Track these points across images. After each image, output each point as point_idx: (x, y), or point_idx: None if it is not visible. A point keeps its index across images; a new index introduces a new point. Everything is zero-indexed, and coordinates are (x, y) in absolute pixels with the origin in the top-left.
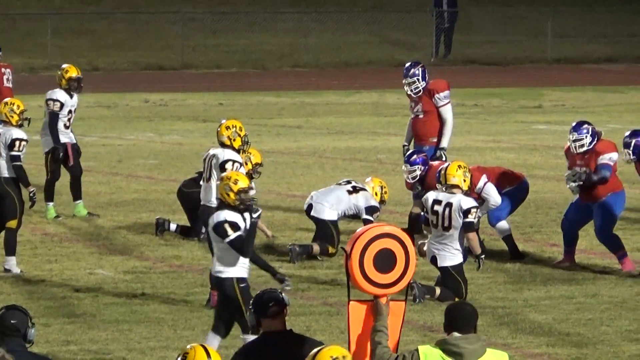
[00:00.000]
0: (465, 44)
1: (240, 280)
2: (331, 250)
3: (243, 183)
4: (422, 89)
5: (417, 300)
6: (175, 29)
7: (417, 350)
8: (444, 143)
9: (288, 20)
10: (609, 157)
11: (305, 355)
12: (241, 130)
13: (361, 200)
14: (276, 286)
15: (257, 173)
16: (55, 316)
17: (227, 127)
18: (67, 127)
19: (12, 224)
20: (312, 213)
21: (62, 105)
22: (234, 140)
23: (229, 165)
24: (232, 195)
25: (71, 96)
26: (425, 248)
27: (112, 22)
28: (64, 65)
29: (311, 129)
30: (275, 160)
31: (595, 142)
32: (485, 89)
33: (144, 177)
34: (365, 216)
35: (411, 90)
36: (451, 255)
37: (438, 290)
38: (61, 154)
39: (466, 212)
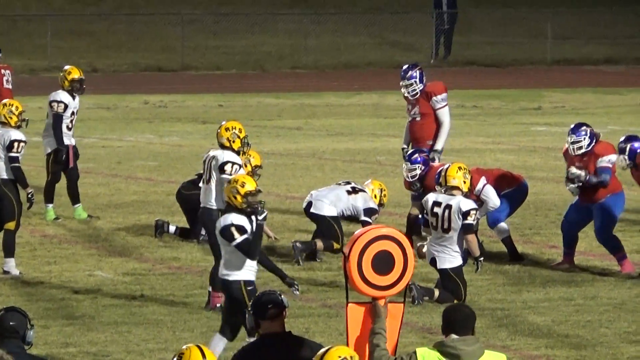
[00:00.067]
0: (465, 45)
1: (248, 283)
2: (336, 246)
3: (250, 186)
4: (420, 91)
5: (416, 302)
6: (175, 30)
7: (415, 352)
8: (438, 145)
9: (288, 22)
10: (608, 160)
11: (304, 357)
12: (241, 132)
13: (359, 202)
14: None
15: (256, 175)
16: (54, 318)
17: (227, 129)
18: (69, 129)
19: (11, 225)
20: (312, 210)
21: (66, 106)
22: (234, 141)
23: (228, 167)
24: (239, 198)
25: (74, 97)
26: (424, 250)
27: (112, 24)
28: (66, 67)
29: (311, 130)
30: (275, 162)
31: (593, 144)
32: (484, 91)
33: (143, 178)
34: (363, 218)
35: (408, 93)
36: (451, 258)
37: (437, 292)
38: (64, 156)
39: (465, 214)
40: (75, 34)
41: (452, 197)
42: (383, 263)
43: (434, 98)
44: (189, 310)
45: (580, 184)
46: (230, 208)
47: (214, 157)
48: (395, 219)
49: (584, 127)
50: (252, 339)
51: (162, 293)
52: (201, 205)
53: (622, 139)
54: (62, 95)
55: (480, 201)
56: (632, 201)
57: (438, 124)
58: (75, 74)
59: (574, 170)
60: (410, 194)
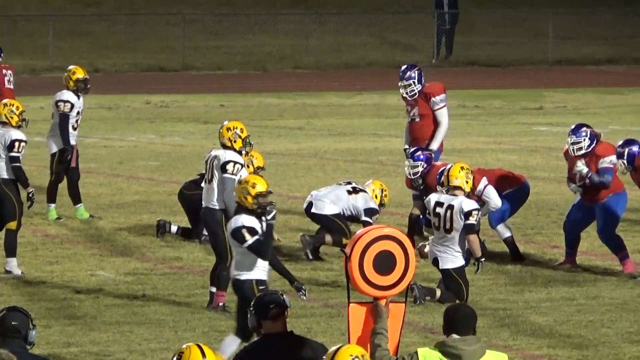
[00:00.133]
0: (466, 45)
1: (260, 282)
2: (345, 241)
3: (261, 187)
4: (418, 92)
5: (418, 301)
6: (176, 30)
7: (416, 352)
8: (434, 146)
9: (289, 22)
10: (609, 160)
11: (306, 357)
12: (242, 132)
13: (360, 202)
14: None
15: None
16: (56, 318)
17: (228, 129)
18: (74, 129)
19: (12, 225)
20: (313, 210)
21: (72, 106)
22: (235, 141)
23: (230, 167)
24: (249, 199)
25: (78, 97)
26: (426, 250)
27: (113, 24)
28: (71, 67)
29: (312, 130)
30: (276, 162)
31: (593, 145)
32: (486, 91)
33: (145, 178)
34: (364, 218)
35: (407, 93)
36: (453, 258)
37: (438, 292)
38: (69, 156)
39: (467, 214)
40: (76, 34)
41: (455, 197)
42: (384, 263)
43: (433, 99)
44: (191, 310)
45: (582, 183)
46: (240, 209)
47: (215, 156)
48: (397, 219)
49: (584, 128)
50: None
51: (164, 293)
52: (203, 205)
53: (619, 143)
54: (68, 95)
55: (481, 201)
56: (634, 201)
57: (436, 124)
58: (80, 74)
59: (579, 164)
60: (412, 194)
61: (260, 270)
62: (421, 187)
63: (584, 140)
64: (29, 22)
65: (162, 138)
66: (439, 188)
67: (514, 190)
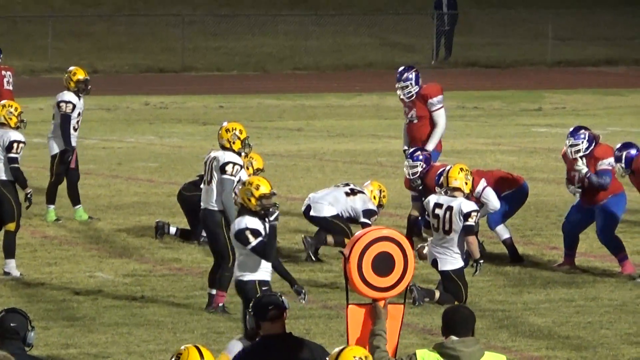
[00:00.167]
0: (465, 46)
1: (263, 283)
2: (347, 241)
3: (265, 189)
4: (415, 93)
5: (417, 303)
6: (175, 31)
7: (415, 354)
8: (429, 146)
9: (288, 23)
10: (607, 163)
11: (305, 359)
12: (241, 133)
13: (358, 203)
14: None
15: None
16: (55, 319)
17: (227, 130)
18: (75, 130)
19: (11, 226)
20: (312, 213)
21: (74, 106)
22: (234, 143)
23: (229, 168)
24: (253, 200)
25: (79, 98)
26: (425, 251)
27: (112, 25)
28: (71, 68)
29: (311, 131)
30: (276, 163)
31: (591, 147)
32: (485, 92)
33: (144, 180)
34: (362, 219)
35: (404, 95)
36: (452, 259)
37: (437, 294)
38: (70, 157)
39: (466, 216)
40: (75, 35)
41: (454, 198)
42: (383, 264)
43: (430, 101)
44: (190, 311)
45: (580, 185)
46: (244, 210)
47: (215, 158)
48: (396, 221)
49: (582, 131)
50: None
51: (163, 294)
52: (202, 206)
53: (617, 146)
54: (70, 96)
55: (480, 203)
56: (633, 202)
57: (433, 125)
58: (81, 75)
59: (579, 163)
60: (411, 195)
61: (264, 271)
62: (420, 188)
63: (582, 142)
64: (28, 23)
65: (161, 139)
66: (437, 189)
67: (512, 191)
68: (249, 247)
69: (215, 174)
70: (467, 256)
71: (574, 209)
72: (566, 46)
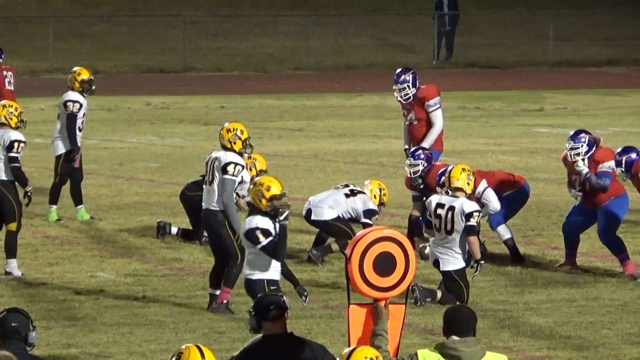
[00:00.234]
0: (466, 46)
1: (272, 282)
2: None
3: (276, 189)
4: (412, 95)
5: (418, 303)
6: (176, 32)
7: (416, 354)
8: (425, 145)
9: (289, 24)
10: (608, 166)
11: (306, 359)
12: (242, 134)
13: (359, 204)
14: (283, 290)
15: None
16: (56, 319)
17: (228, 130)
18: (80, 130)
19: (12, 226)
20: (313, 217)
21: (80, 106)
22: (235, 143)
23: (230, 168)
24: (264, 201)
25: (84, 98)
26: (426, 251)
27: (113, 25)
28: (75, 68)
29: (312, 132)
30: (277, 163)
31: (592, 151)
32: (486, 92)
33: (145, 180)
34: (364, 220)
35: (401, 97)
36: (454, 260)
37: (439, 294)
38: (75, 157)
39: (468, 216)
40: (76, 36)
41: (456, 198)
42: (385, 264)
43: (427, 102)
44: (191, 311)
45: (581, 188)
46: (254, 210)
47: (216, 158)
48: (397, 220)
49: (582, 135)
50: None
51: (164, 294)
52: (203, 206)
53: (618, 150)
54: (76, 95)
55: (481, 204)
56: (635, 202)
57: (430, 126)
58: (85, 75)
59: (580, 163)
60: (412, 195)
61: (273, 270)
62: (421, 187)
63: (582, 146)
64: (29, 24)
65: (162, 139)
66: (438, 189)
67: (514, 192)
68: (259, 246)
69: (216, 174)
70: (468, 256)
71: (576, 209)
72: (567, 46)
